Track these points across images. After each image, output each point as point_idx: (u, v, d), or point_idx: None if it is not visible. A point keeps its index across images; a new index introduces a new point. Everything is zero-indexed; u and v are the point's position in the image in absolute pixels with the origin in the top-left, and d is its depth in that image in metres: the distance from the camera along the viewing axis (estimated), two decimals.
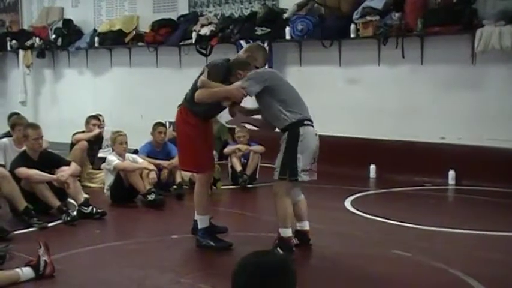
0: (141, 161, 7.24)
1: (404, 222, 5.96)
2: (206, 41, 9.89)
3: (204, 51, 10.02)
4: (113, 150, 7.32)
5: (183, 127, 5.26)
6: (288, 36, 9.06)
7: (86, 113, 8.85)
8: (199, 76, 5.09)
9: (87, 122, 8.36)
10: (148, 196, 6.78)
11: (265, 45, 9.23)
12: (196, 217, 5.27)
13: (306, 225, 5.14)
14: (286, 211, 4.86)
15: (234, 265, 2.05)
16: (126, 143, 7.22)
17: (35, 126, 6.55)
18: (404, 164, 8.13)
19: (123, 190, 6.94)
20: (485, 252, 5.11)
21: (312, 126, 4.96)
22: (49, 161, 6.45)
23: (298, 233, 5.09)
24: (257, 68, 5.11)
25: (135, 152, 7.87)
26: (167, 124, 8.27)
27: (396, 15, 8.12)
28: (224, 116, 5.60)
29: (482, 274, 4.48)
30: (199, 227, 5.21)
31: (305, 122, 4.91)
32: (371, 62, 8.58)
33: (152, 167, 7.17)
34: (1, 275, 4.38)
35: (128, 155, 7.23)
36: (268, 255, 2.13)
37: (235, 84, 4.90)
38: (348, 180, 7.87)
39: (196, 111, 5.11)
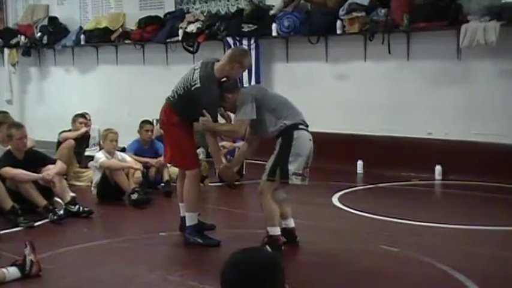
0: (129, 159, 7.21)
1: (391, 218, 5.98)
2: (193, 38, 9.87)
3: (190, 49, 10.00)
4: (100, 148, 7.28)
5: (168, 126, 5.29)
6: (274, 33, 9.05)
7: (73, 111, 8.80)
8: (185, 83, 5.08)
9: (74, 121, 8.31)
10: (131, 195, 6.76)
11: (252, 41, 9.25)
12: (185, 214, 5.26)
13: (291, 223, 5.15)
14: (273, 210, 4.87)
15: (222, 262, 2.04)
16: (116, 140, 7.19)
17: (18, 126, 6.50)
18: (392, 159, 8.16)
19: (109, 188, 6.91)
20: (472, 247, 5.15)
21: (307, 130, 4.98)
22: (34, 159, 6.41)
23: (285, 231, 5.09)
24: (243, 70, 5.44)
25: (123, 150, 7.85)
26: (154, 122, 8.24)
27: (382, 11, 8.14)
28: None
29: (469, 268, 4.51)
30: (188, 224, 5.21)
31: (299, 126, 4.95)
32: (358, 58, 8.60)
33: (139, 166, 7.15)
34: None
35: (117, 153, 7.20)
36: (257, 252, 2.14)
37: (234, 122, 5.19)
38: (335, 176, 7.89)
39: (181, 114, 5.13)
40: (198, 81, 5.00)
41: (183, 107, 5.10)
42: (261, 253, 2.12)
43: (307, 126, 5.04)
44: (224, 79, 5.09)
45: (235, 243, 4.98)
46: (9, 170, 6.13)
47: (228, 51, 5.39)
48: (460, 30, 7.46)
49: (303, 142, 4.92)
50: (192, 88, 5.01)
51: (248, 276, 2.00)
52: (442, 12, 7.68)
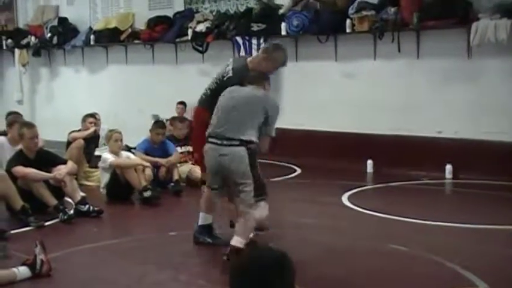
0: (134, 157, 7.26)
1: (401, 217, 5.96)
2: (202, 37, 9.88)
3: (200, 48, 10.01)
4: (108, 147, 7.32)
5: (198, 126, 5.20)
6: (283, 32, 9.04)
7: (83, 111, 8.84)
8: (218, 77, 5.06)
9: (84, 121, 8.34)
10: (144, 193, 6.78)
11: (261, 41, 9.24)
12: (200, 214, 5.20)
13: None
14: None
15: (231, 262, 2.05)
16: (121, 140, 7.22)
17: (30, 126, 6.53)
18: (401, 158, 8.12)
19: (120, 187, 6.94)
20: (482, 246, 5.12)
21: (217, 144, 4.63)
22: (46, 159, 6.44)
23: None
24: (277, 68, 5.23)
25: (132, 149, 7.87)
26: (164, 120, 8.27)
27: (392, 10, 8.11)
28: None
29: (480, 267, 4.48)
30: (199, 223, 5.20)
31: (208, 139, 4.72)
32: (367, 56, 8.57)
33: (146, 163, 7.17)
34: None
35: (122, 152, 7.24)
36: (267, 251, 2.14)
37: None
38: (345, 175, 7.87)
39: (211, 109, 4.94)
40: (231, 72, 5.01)
41: (215, 102, 4.89)
42: (270, 252, 2.12)
43: (220, 138, 4.63)
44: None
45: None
46: (21, 169, 6.16)
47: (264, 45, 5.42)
48: (471, 28, 7.42)
49: (207, 157, 4.76)
50: (225, 79, 5.00)
51: (258, 274, 2.00)
52: (452, 10, 7.64)
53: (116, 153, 7.12)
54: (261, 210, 4.78)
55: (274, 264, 2.03)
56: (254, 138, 4.62)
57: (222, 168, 4.66)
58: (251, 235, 4.80)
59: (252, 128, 4.62)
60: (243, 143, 4.58)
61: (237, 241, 4.55)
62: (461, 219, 5.83)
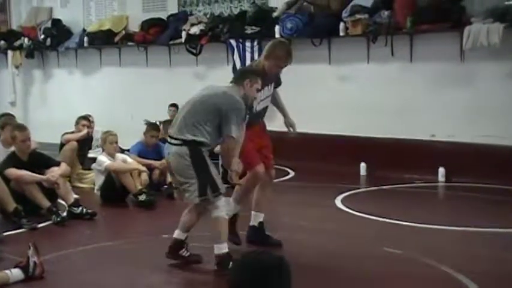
0: (130, 160, 7.24)
1: (395, 220, 5.97)
2: (196, 40, 9.88)
3: (193, 51, 10.01)
4: (103, 150, 7.31)
5: None
6: (277, 35, 9.04)
7: (76, 113, 8.82)
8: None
9: (77, 123, 8.32)
10: (139, 196, 6.78)
11: (255, 43, 9.26)
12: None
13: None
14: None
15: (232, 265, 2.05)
16: (116, 142, 7.22)
17: (22, 128, 6.52)
18: (395, 161, 8.14)
19: (114, 190, 6.93)
20: (476, 249, 5.14)
21: (170, 143, 4.63)
22: (39, 161, 6.42)
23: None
24: (281, 68, 5.08)
25: (125, 151, 7.86)
26: (157, 123, 8.26)
27: (385, 13, 8.14)
28: None
29: (473, 270, 4.51)
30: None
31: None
32: (361, 60, 8.60)
33: (143, 168, 7.17)
34: None
35: (118, 155, 7.23)
36: (266, 254, 2.14)
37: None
38: (339, 178, 7.88)
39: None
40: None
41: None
42: (269, 255, 2.12)
43: (170, 137, 4.65)
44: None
45: (242, 246, 5.00)
46: (14, 171, 6.15)
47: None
48: (463, 32, 7.46)
49: None
50: None
51: (257, 277, 2.00)
52: (445, 14, 7.68)
53: (111, 155, 7.11)
54: (225, 208, 4.67)
55: (273, 267, 2.03)
56: (201, 139, 4.50)
57: (169, 166, 4.71)
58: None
59: (200, 127, 4.51)
60: (186, 143, 4.49)
61: (219, 248, 4.51)
62: (454, 222, 5.86)
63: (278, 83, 5.32)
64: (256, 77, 4.70)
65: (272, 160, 5.22)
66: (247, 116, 4.77)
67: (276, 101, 5.40)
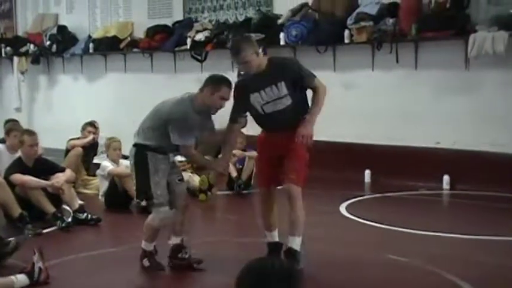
0: None
1: (399, 227, 5.96)
2: (201, 46, 9.91)
3: (198, 57, 10.04)
4: (107, 156, 7.33)
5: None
6: (282, 42, 9.07)
7: (81, 119, 8.85)
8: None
9: (83, 129, 8.36)
10: (141, 202, 6.77)
11: (260, 50, 9.24)
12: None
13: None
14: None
15: (231, 272, 2.05)
16: (120, 149, 7.24)
17: (31, 133, 6.57)
18: (399, 168, 8.14)
19: (118, 196, 6.94)
20: (480, 257, 5.13)
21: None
22: (44, 167, 6.45)
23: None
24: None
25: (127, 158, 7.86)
26: None
27: (390, 21, 8.15)
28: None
29: (477, 278, 4.50)
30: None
31: None
32: (365, 67, 8.60)
33: None
34: None
35: (121, 161, 7.24)
36: (274, 261, 2.12)
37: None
38: (343, 185, 7.88)
39: None
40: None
41: (258, 120, 4.84)
42: (277, 262, 2.11)
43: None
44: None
45: (244, 252, 5.00)
46: (19, 177, 6.17)
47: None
48: (468, 40, 7.46)
49: None
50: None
51: (265, 284, 1.99)
52: (450, 21, 7.68)
53: (115, 161, 7.14)
54: (161, 219, 4.72)
55: (281, 274, 2.02)
56: (147, 142, 4.63)
57: None
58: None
59: (147, 132, 4.67)
60: (134, 145, 4.73)
61: (144, 244, 4.81)
62: (459, 229, 5.84)
63: (301, 81, 4.68)
64: (218, 85, 4.58)
65: (291, 175, 4.58)
66: (243, 120, 4.78)
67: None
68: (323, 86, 4.72)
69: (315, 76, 4.71)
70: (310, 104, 4.73)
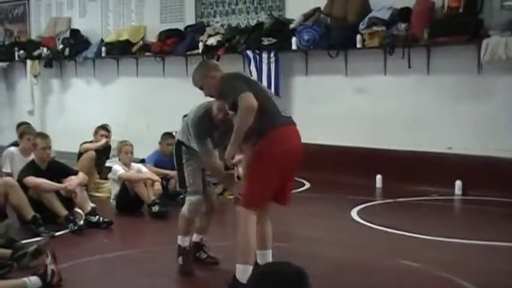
0: (145, 170, 7.29)
1: (411, 233, 5.94)
2: (213, 51, 9.93)
3: None
4: (119, 159, 7.38)
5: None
6: (294, 46, 9.09)
7: (93, 122, 8.89)
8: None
9: (96, 132, 8.41)
10: (152, 207, 6.82)
11: (272, 55, 9.27)
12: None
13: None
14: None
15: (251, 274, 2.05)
16: (131, 152, 7.28)
17: (44, 136, 6.62)
18: (411, 174, 8.11)
19: (129, 199, 6.98)
20: (492, 263, 5.10)
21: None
22: (57, 170, 6.49)
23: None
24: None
25: (142, 161, 7.90)
26: (174, 134, 8.27)
27: (402, 26, 8.14)
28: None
29: (489, 284, 4.49)
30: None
31: None
32: (377, 72, 8.60)
33: (156, 177, 7.21)
34: (8, 284, 4.40)
35: (133, 164, 7.28)
36: (286, 266, 2.13)
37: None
38: (355, 190, 7.86)
39: None
40: None
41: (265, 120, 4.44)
42: (289, 267, 2.13)
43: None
44: None
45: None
46: (32, 180, 6.21)
47: None
48: (481, 45, 7.43)
49: None
50: None
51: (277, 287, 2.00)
52: (463, 26, 7.66)
53: (126, 165, 7.18)
54: (191, 205, 4.87)
55: (293, 278, 2.03)
56: (182, 139, 4.85)
57: None
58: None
59: (186, 131, 4.82)
60: (177, 141, 5.01)
61: (180, 240, 4.95)
62: (471, 235, 5.81)
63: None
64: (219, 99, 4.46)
65: (289, 192, 4.43)
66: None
67: None
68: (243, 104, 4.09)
69: (238, 94, 4.13)
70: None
